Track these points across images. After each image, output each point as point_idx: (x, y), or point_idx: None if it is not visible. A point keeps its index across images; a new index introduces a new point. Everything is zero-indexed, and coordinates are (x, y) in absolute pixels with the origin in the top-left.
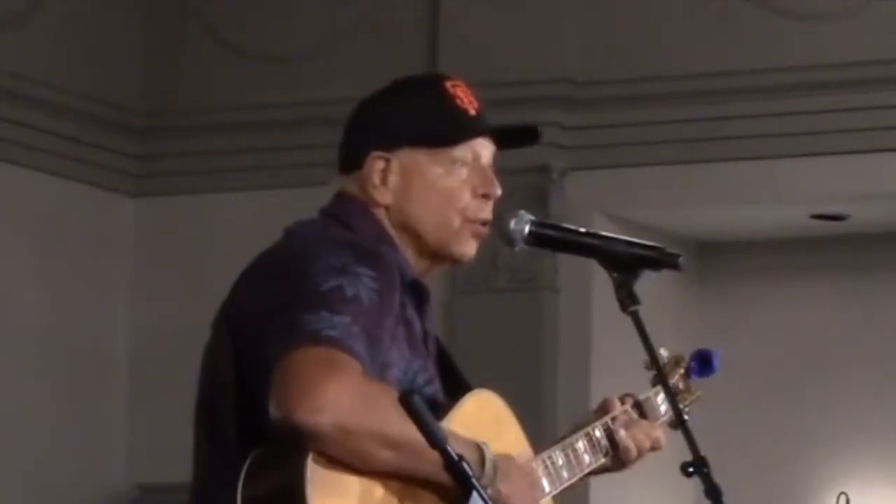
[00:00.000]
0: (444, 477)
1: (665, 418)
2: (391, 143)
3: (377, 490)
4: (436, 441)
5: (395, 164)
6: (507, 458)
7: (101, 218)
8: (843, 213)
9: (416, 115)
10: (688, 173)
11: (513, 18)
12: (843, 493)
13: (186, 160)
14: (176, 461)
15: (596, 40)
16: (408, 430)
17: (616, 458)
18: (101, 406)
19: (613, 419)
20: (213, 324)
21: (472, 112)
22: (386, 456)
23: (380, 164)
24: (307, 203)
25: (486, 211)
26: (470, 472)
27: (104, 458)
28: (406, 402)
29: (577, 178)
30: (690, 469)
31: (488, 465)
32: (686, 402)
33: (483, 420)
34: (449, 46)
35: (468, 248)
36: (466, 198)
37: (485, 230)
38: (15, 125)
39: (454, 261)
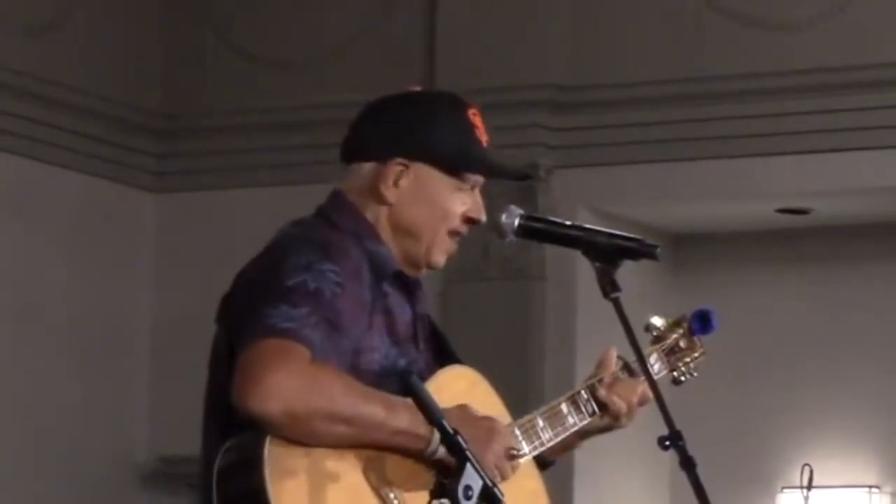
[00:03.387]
0: (400, 441)
1: (659, 376)
2: (415, 155)
3: (337, 463)
4: (432, 416)
5: (411, 173)
6: (462, 408)
7: (124, 212)
8: (806, 207)
9: (444, 138)
10: (665, 171)
11: (503, 28)
12: (806, 464)
13: (203, 159)
14: (194, 435)
15: (580, 49)
16: (358, 405)
17: (608, 415)
18: (125, 385)
19: (600, 380)
20: (216, 317)
21: (484, 144)
22: (340, 432)
23: (398, 169)
24: (314, 199)
25: (465, 229)
26: (464, 445)
27: (128, 433)
28: (406, 381)
29: (563, 176)
30: (666, 442)
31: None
32: (689, 359)
33: (457, 389)
34: (445, 54)
35: (441, 260)
36: (458, 220)
37: (455, 244)
38: (45, 126)
39: (427, 266)
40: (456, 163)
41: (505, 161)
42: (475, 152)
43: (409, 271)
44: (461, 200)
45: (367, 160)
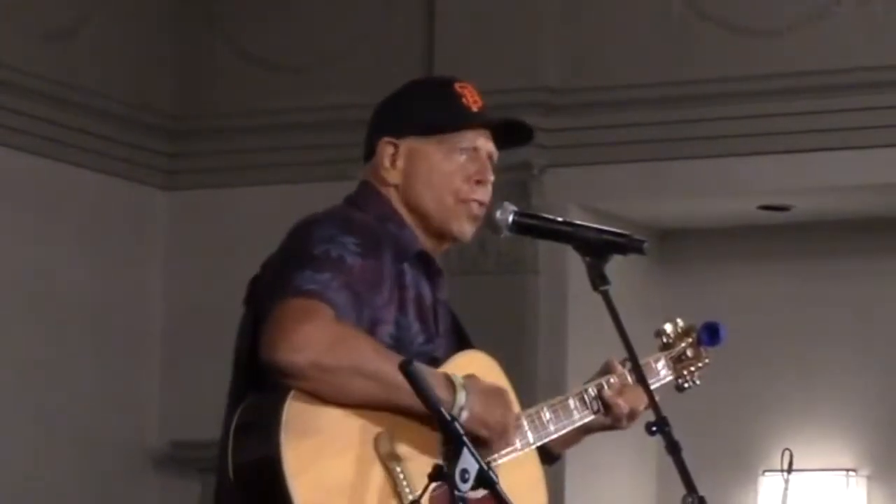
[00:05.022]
0: (419, 402)
1: (664, 381)
2: (400, 131)
3: (350, 433)
4: (431, 403)
5: (402, 149)
6: (473, 377)
7: (137, 209)
8: (787, 204)
9: (423, 108)
10: (652, 170)
11: (499, 35)
12: (786, 449)
13: (212, 158)
14: (204, 420)
15: (571, 53)
16: (381, 363)
17: (611, 416)
18: (137, 373)
19: (609, 381)
20: (244, 300)
21: (475, 109)
22: (362, 386)
23: (389, 149)
24: (318, 196)
25: (479, 193)
26: (461, 431)
27: (141, 418)
28: (404, 370)
29: (555, 174)
30: (653, 428)
31: (459, 393)
32: (694, 368)
33: (471, 371)
34: (443, 59)
35: (464, 227)
36: (459, 181)
37: (480, 210)
38: (62, 127)
39: (454, 238)
40: (438, 125)
41: (502, 119)
42: (456, 111)
43: (436, 247)
44: (459, 164)
45: (369, 156)
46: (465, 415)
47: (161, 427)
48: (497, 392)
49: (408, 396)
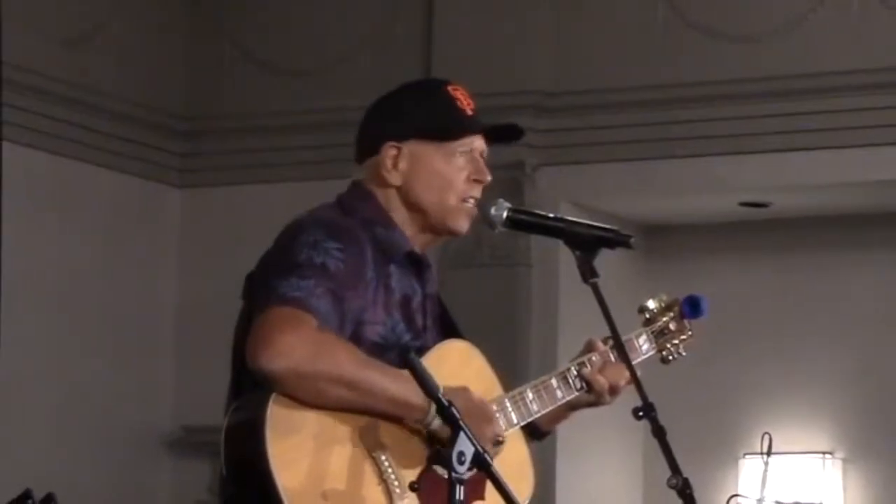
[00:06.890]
0: (396, 410)
1: (648, 355)
2: (403, 135)
3: (334, 426)
4: (429, 389)
5: (405, 152)
6: (460, 391)
7: (152, 206)
8: (766, 201)
9: (424, 113)
10: (639, 169)
11: (494, 40)
12: (766, 433)
13: (224, 157)
14: (214, 406)
15: (563, 58)
16: (360, 371)
17: (594, 392)
18: (152, 362)
19: (590, 359)
20: (241, 294)
21: (469, 112)
22: (340, 394)
23: (392, 152)
24: (323, 194)
25: (476, 191)
26: (458, 416)
27: (155, 404)
28: (407, 359)
29: (547, 173)
30: (640, 413)
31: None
32: (678, 341)
33: (455, 361)
34: (441, 62)
35: (462, 224)
36: (461, 182)
37: (474, 208)
38: (81, 128)
39: (451, 234)
40: (441, 130)
41: (495, 123)
42: (457, 117)
43: (431, 242)
44: (459, 166)
45: (370, 155)
46: (437, 424)
47: (173, 412)
48: (477, 410)
49: (383, 404)
